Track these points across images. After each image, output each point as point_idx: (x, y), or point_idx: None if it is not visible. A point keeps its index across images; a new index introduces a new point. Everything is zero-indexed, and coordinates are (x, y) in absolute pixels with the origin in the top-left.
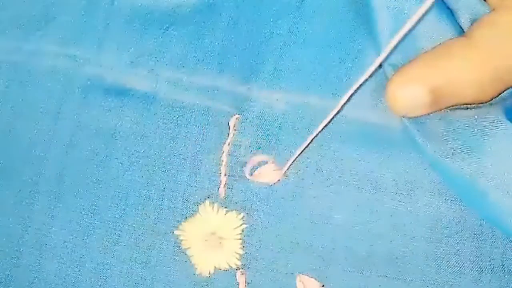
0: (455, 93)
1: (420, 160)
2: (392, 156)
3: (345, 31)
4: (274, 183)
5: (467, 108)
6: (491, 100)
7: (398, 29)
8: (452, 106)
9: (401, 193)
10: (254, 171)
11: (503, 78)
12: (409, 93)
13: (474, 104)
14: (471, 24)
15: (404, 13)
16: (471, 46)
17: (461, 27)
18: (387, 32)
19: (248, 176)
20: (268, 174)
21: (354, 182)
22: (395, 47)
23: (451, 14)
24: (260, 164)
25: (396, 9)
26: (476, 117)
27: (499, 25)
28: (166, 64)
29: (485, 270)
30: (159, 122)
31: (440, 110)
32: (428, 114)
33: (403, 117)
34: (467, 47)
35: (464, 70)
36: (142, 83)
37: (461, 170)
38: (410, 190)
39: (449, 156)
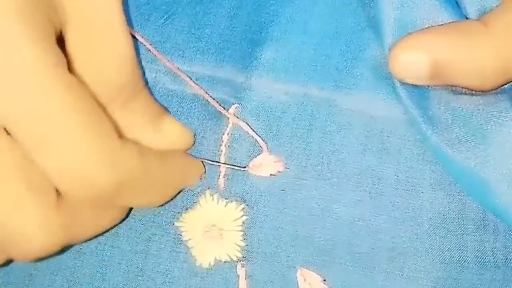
0: (458, 73)
1: (422, 154)
2: (394, 150)
3: (346, 22)
4: (274, 175)
5: (472, 94)
6: (491, 90)
7: (403, 20)
8: (452, 86)
9: (402, 188)
10: (254, 162)
11: (510, 69)
12: (411, 58)
13: (473, 90)
14: (480, 16)
15: (409, 3)
16: (486, 31)
17: (467, 18)
18: (391, 23)
19: (247, 167)
20: (268, 165)
21: (355, 176)
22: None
23: (456, 5)
24: (260, 155)
25: None
26: (482, 106)
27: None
28: (166, 54)
29: (488, 264)
30: None
31: (439, 86)
32: (429, 91)
33: (405, 82)
34: (482, 31)
35: (474, 52)
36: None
37: (465, 159)
38: (412, 185)
39: (454, 145)
